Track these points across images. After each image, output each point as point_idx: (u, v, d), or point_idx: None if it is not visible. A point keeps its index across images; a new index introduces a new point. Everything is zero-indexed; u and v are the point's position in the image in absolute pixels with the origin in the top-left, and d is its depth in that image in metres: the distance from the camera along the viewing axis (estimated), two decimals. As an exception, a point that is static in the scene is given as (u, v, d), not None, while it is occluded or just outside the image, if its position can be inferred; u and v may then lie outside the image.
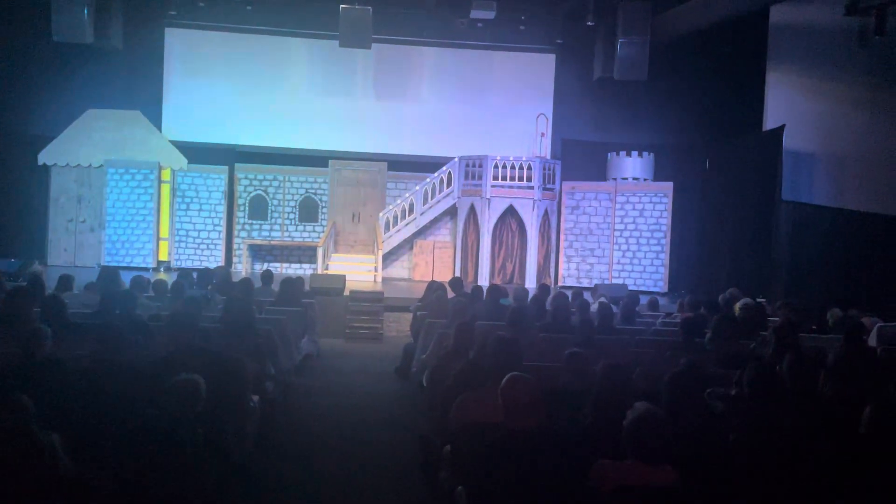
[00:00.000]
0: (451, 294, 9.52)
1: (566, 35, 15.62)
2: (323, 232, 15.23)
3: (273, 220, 15.54)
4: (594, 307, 8.18)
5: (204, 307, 6.89)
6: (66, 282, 7.95)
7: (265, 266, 14.60)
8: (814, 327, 8.05)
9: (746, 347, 6.31)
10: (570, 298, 8.61)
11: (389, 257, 15.31)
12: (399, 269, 15.56)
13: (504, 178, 14.59)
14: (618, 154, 15.03)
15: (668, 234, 14.43)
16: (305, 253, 15.31)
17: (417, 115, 15.92)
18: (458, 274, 14.48)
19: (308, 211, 15.61)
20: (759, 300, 9.66)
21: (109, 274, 8.63)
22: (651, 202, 14.55)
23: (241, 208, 15.45)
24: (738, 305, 8.68)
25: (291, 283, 8.96)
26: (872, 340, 7.35)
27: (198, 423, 3.71)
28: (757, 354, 5.76)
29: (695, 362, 4.52)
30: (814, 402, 4.44)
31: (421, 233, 15.39)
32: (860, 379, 4.96)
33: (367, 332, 11.45)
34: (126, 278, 8.84)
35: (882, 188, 10.72)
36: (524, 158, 14.74)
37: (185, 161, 14.79)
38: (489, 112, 15.94)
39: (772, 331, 5.84)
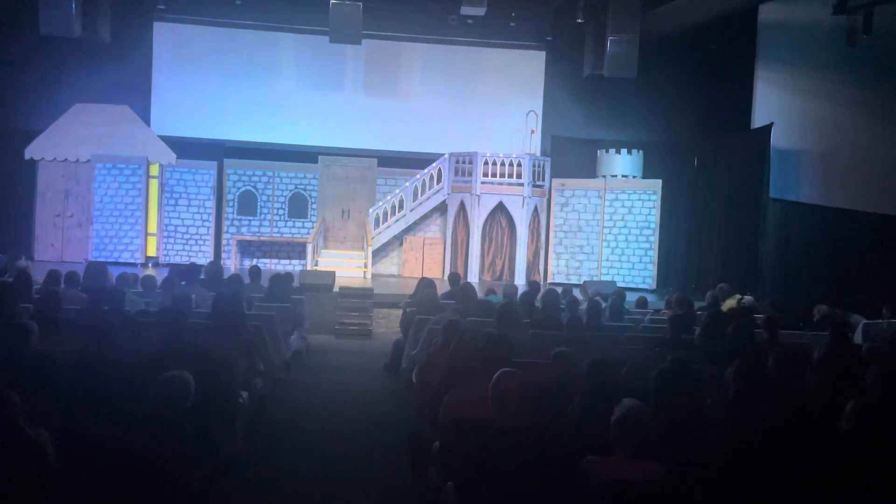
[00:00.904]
0: (448, 288, 9.54)
1: (556, 32, 15.65)
2: (312, 228, 15.20)
3: (262, 216, 15.49)
4: (584, 305, 8.21)
5: (193, 303, 6.86)
6: (54, 277, 7.91)
7: (254, 262, 14.56)
8: (800, 324, 8.12)
9: (734, 344, 6.34)
10: (560, 295, 8.64)
11: (379, 254, 15.30)
12: (389, 266, 15.55)
13: (494, 175, 14.61)
14: (607, 151, 15.07)
15: (657, 232, 14.50)
16: (295, 249, 15.27)
17: (407, 112, 15.90)
18: (447, 269, 14.49)
19: (297, 207, 15.57)
20: (745, 297, 9.74)
21: (96, 270, 8.57)
22: (640, 199, 14.61)
23: (230, 204, 15.38)
24: (729, 301, 8.78)
25: (280, 280, 8.95)
26: (858, 338, 7.43)
27: (187, 419, 3.70)
28: (742, 351, 5.80)
29: (682, 359, 4.55)
30: (799, 398, 4.48)
31: (411, 229, 15.39)
32: (845, 376, 5.01)
33: (356, 329, 11.45)
34: (114, 274, 8.79)
35: (868, 186, 10.81)
36: (514, 155, 14.77)
37: (174, 156, 14.71)
38: (479, 109, 15.95)
39: (745, 327, 5.88)
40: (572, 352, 4.79)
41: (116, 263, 13.29)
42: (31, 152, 14.29)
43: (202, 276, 9.25)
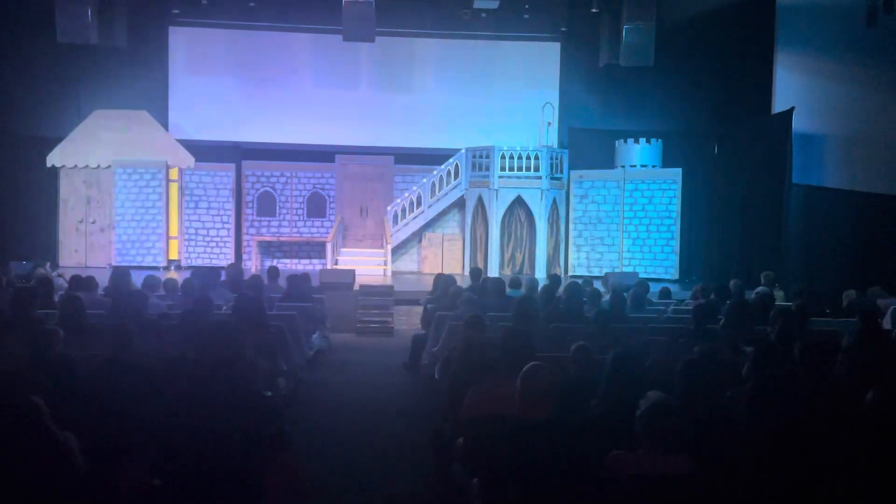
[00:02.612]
0: (470, 283, 9.52)
1: (571, 22, 15.52)
2: (331, 227, 15.24)
3: (281, 217, 15.57)
4: (607, 297, 8.13)
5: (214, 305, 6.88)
6: (77, 282, 7.99)
7: (274, 262, 14.64)
8: (827, 310, 7.99)
9: (760, 333, 6.25)
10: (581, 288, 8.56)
11: (398, 251, 15.30)
12: (408, 263, 15.55)
13: (511, 169, 14.55)
14: (625, 141, 14.92)
15: (678, 221, 14.34)
16: (314, 248, 15.32)
17: (423, 108, 15.87)
18: (467, 265, 14.47)
19: (316, 206, 15.63)
20: (759, 287, 9.61)
21: (119, 274, 8.65)
22: (660, 189, 14.46)
23: (250, 205, 15.48)
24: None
25: (297, 280, 8.96)
26: (887, 323, 7.29)
27: (210, 420, 3.70)
28: (765, 339, 5.71)
29: (709, 350, 4.48)
30: (828, 386, 4.40)
31: (429, 225, 15.37)
32: (875, 362, 4.91)
33: (377, 327, 11.47)
34: (138, 277, 8.87)
35: (893, 169, 10.61)
36: (531, 148, 14.69)
37: (193, 159, 14.81)
38: (495, 102, 15.87)
39: (775, 314, 5.78)
40: (591, 345, 4.74)
41: (139, 267, 13.41)
42: (52, 160, 14.46)
43: (223, 278, 9.30)
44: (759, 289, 9.27)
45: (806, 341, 4.76)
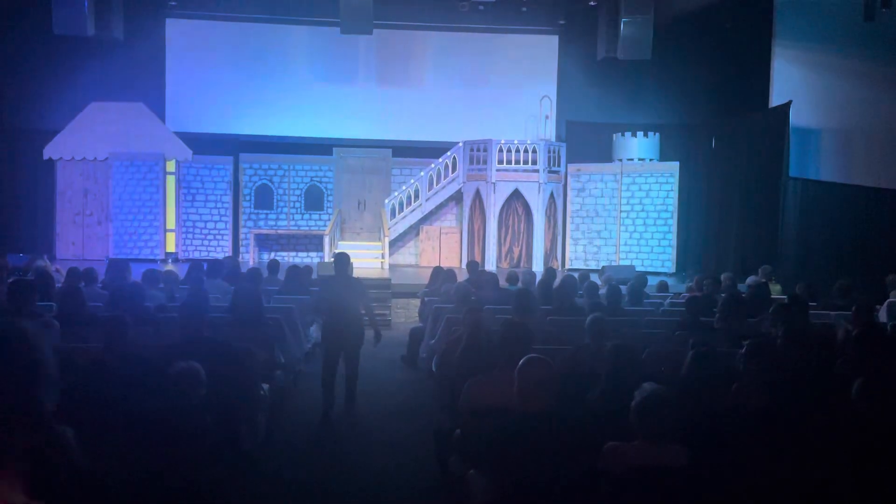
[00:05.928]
0: (466, 276, 9.53)
1: (569, 16, 15.51)
2: (329, 220, 15.23)
3: (279, 210, 15.55)
4: (603, 290, 8.15)
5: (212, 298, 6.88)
6: (75, 275, 7.98)
7: (272, 255, 14.64)
8: (830, 302, 8.01)
9: (754, 326, 6.27)
10: (577, 281, 8.57)
11: (396, 244, 15.30)
12: (406, 256, 15.56)
13: (509, 162, 14.55)
14: (623, 135, 14.92)
15: (675, 215, 14.37)
16: (312, 241, 15.32)
17: (421, 101, 15.85)
18: (465, 259, 14.48)
19: (313, 199, 15.61)
20: (750, 277, 9.64)
21: (118, 267, 8.64)
22: (657, 182, 14.47)
23: (247, 198, 15.45)
24: (748, 281, 8.68)
25: (297, 272, 8.97)
26: (882, 316, 7.32)
27: (207, 411, 3.72)
28: (761, 332, 5.72)
29: (707, 342, 4.50)
30: (824, 378, 4.42)
31: (427, 219, 15.37)
32: (871, 355, 4.92)
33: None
34: (136, 270, 8.86)
35: (890, 163, 10.63)
36: (529, 141, 14.68)
37: (190, 152, 14.79)
38: (493, 96, 15.86)
39: (773, 308, 5.79)
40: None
41: (136, 260, 13.37)
42: (49, 152, 14.43)
43: (222, 271, 9.28)
44: (751, 279, 9.28)
45: (804, 335, 4.78)
